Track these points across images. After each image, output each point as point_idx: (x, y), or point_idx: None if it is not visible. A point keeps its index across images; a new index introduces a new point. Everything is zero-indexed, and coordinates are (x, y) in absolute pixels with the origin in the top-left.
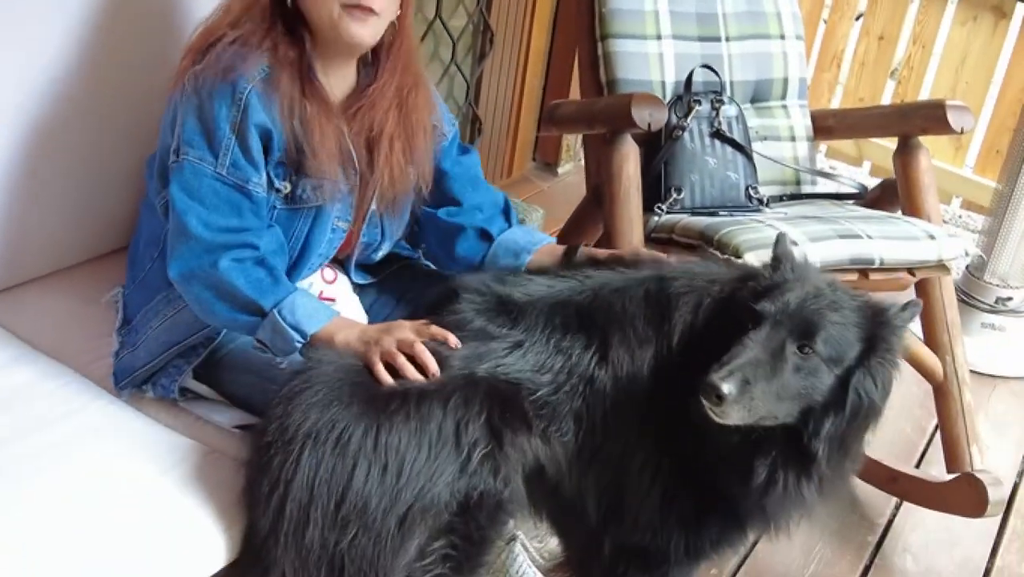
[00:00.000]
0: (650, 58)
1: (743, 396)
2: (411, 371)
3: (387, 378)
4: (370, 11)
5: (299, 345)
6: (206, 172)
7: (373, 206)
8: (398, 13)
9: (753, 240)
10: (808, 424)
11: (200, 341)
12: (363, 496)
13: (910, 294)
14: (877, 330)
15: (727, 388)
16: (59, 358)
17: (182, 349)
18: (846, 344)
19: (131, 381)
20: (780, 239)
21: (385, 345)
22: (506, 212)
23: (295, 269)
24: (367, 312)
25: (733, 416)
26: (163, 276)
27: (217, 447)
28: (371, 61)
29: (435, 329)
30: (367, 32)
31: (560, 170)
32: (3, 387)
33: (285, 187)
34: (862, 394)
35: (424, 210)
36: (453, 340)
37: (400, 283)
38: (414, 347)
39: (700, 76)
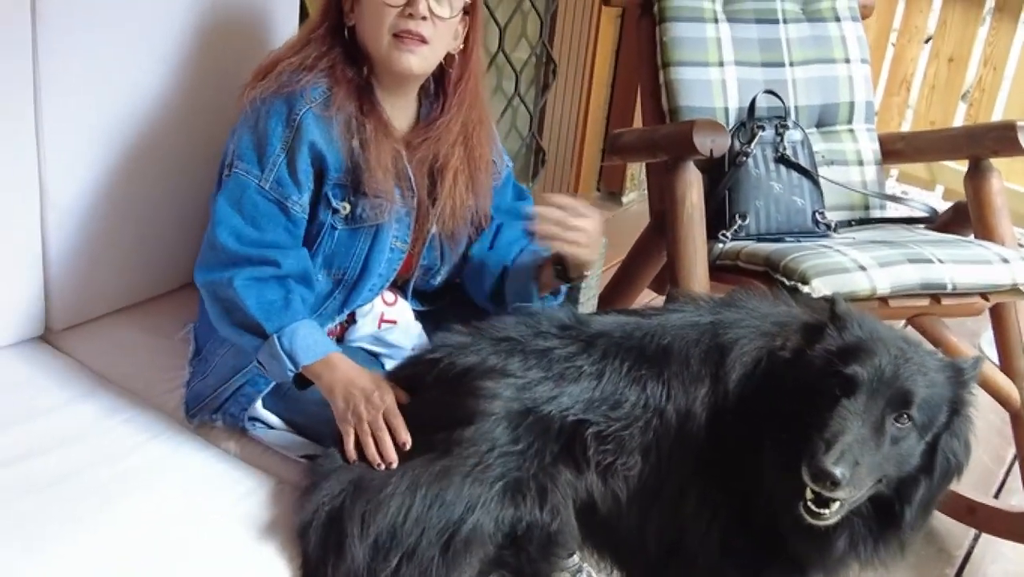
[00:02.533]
0: (712, 85)
1: (854, 477)
2: (371, 450)
3: (351, 451)
4: (420, 40)
5: (290, 374)
6: (250, 184)
7: (434, 230)
8: (459, 47)
9: (820, 266)
10: (899, 491)
11: None
12: (395, 525)
13: (984, 319)
14: (959, 390)
15: (840, 472)
16: (131, 391)
17: (248, 375)
18: (936, 408)
19: (201, 410)
20: (835, 300)
21: (360, 420)
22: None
23: (355, 289)
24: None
25: (842, 498)
26: None
27: (284, 477)
28: (435, 94)
29: (402, 432)
30: (416, 61)
31: (625, 199)
32: (76, 419)
33: (344, 207)
34: (950, 457)
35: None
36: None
37: (461, 310)
38: (379, 435)
39: (763, 101)
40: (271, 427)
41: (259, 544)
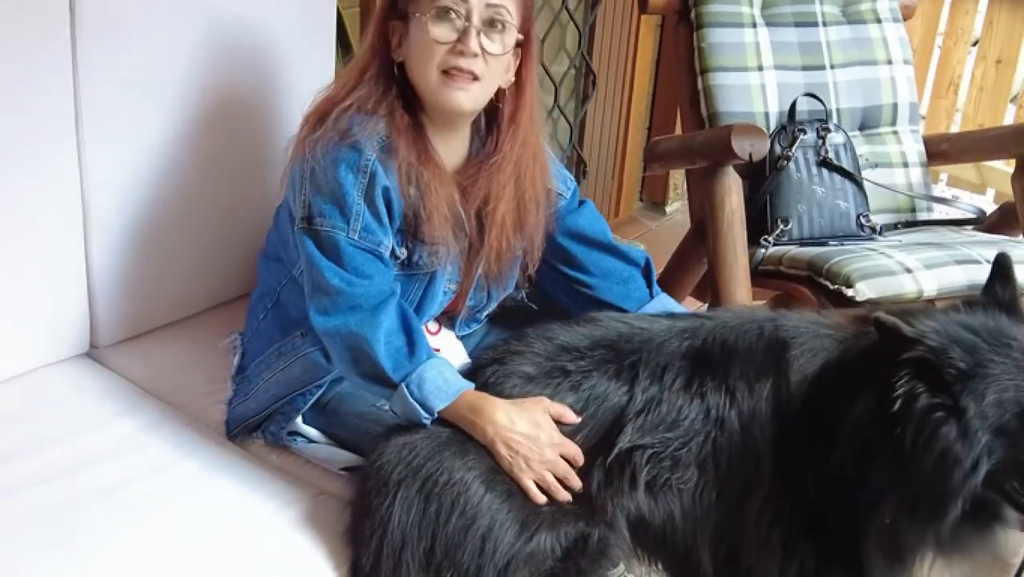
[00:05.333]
0: (752, 90)
1: None
2: (561, 494)
3: (541, 498)
4: (472, 77)
5: (426, 421)
6: (340, 239)
7: (480, 271)
8: (511, 81)
9: (865, 268)
10: None
11: (307, 389)
12: (452, 544)
13: None
14: None
15: None
16: (175, 404)
17: (288, 399)
18: None
19: (242, 430)
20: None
21: (535, 467)
22: (647, 273)
23: None
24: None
25: None
26: (276, 327)
27: (325, 489)
28: (487, 130)
29: (572, 449)
30: (466, 98)
31: (668, 209)
32: (120, 434)
33: (402, 253)
34: None
35: (555, 269)
36: (576, 454)
37: (508, 321)
38: (560, 471)
39: (804, 105)
40: (312, 441)
41: (302, 553)
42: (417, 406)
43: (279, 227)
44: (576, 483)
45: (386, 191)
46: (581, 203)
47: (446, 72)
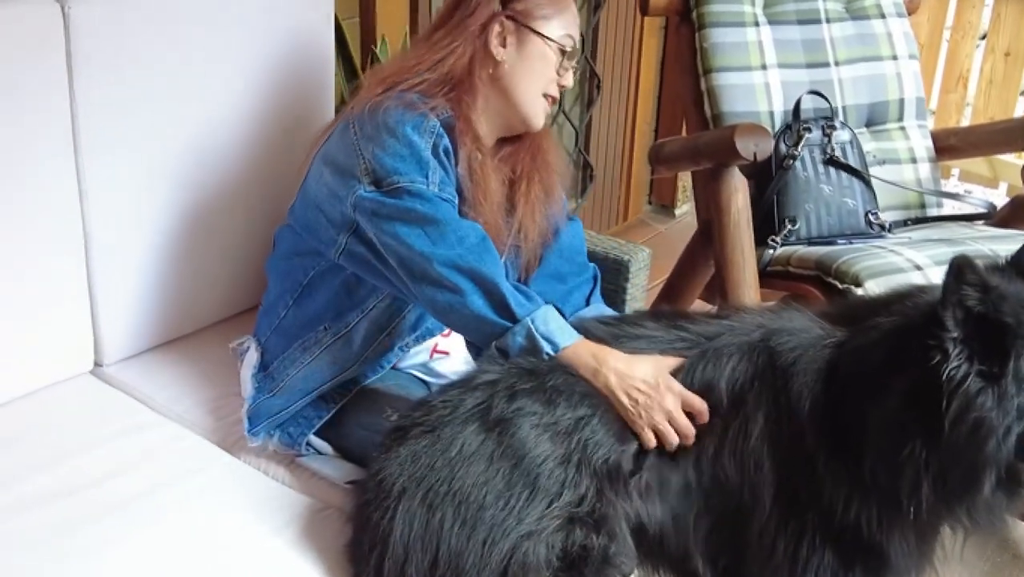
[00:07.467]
0: (756, 89)
1: None
2: (672, 440)
3: (653, 443)
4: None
5: (547, 356)
6: (421, 190)
7: (503, 255)
8: None
9: (874, 267)
10: None
11: (331, 392)
12: (455, 553)
13: None
14: None
15: None
16: (181, 421)
17: (314, 398)
18: None
19: (264, 427)
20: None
21: (656, 418)
22: (593, 286)
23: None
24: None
25: None
26: (300, 322)
27: (331, 503)
28: None
29: (696, 402)
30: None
31: (677, 212)
32: (128, 450)
33: None
34: None
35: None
36: (701, 408)
37: None
38: (680, 425)
39: (809, 103)
40: (319, 452)
41: (307, 566)
42: (542, 340)
43: (300, 218)
44: (690, 439)
45: (448, 153)
46: (570, 219)
47: (546, 96)
